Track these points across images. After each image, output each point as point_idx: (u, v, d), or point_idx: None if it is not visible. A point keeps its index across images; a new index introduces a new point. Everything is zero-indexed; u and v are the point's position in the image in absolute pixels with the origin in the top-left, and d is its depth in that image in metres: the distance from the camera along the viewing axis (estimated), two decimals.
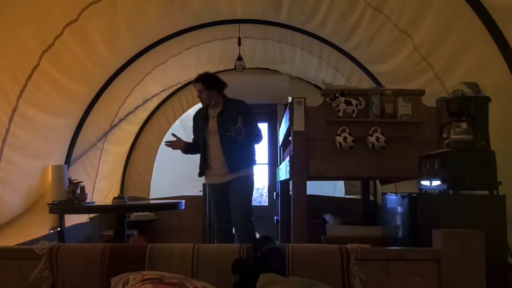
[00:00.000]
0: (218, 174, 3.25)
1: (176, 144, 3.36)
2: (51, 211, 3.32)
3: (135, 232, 4.86)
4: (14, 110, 2.63)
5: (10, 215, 2.92)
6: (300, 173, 2.65)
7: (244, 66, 4.28)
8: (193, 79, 5.00)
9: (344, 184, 5.00)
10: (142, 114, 5.18)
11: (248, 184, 3.31)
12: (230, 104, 3.28)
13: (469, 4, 2.30)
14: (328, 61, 4.35)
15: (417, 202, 2.01)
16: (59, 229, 3.60)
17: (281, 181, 3.87)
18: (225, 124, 3.16)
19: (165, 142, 3.43)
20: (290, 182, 2.84)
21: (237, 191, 3.24)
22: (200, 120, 3.36)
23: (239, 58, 4.23)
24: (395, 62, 3.32)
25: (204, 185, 4.82)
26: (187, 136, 5.58)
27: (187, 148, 3.42)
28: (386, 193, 2.47)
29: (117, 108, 4.32)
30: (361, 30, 3.36)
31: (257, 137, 3.32)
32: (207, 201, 4.82)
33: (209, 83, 3.23)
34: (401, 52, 3.15)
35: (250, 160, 3.34)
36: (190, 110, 5.49)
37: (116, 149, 4.83)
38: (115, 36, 3.36)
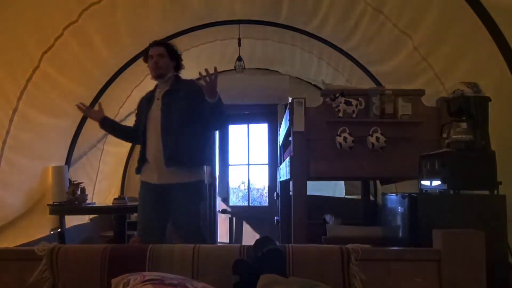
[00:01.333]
0: (156, 173, 2.55)
1: (92, 112, 2.73)
2: (52, 212, 3.32)
3: (136, 233, 4.85)
4: (14, 111, 2.63)
5: (10, 216, 2.92)
6: (300, 174, 2.65)
7: (244, 66, 4.28)
8: (194, 79, 5.00)
9: (344, 184, 5.00)
10: None
11: (198, 193, 2.61)
12: (182, 84, 2.67)
13: (468, 4, 2.30)
14: (328, 61, 4.35)
15: (418, 202, 2.01)
16: (59, 230, 3.60)
17: (282, 182, 3.87)
18: (171, 107, 2.55)
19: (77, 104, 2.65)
20: (291, 182, 2.84)
21: (181, 203, 2.51)
22: (144, 102, 2.71)
23: (239, 59, 4.23)
24: (395, 62, 3.32)
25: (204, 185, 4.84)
26: None
27: (110, 126, 2.76)
28: (386, 193, 2.47)
29: (117, 109, 4.32)
30: (361, 30, 3.36)
31: (223, 121, 2.65)
32: (207, 201, 4.82)
33: (173, 51, 2.68)
34: (401, 52, 3.15)
35: (202, 157, 2.60)
36: None
37: (116, 150, 4.83)
38: (115, 37, 3.37)
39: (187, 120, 2.53)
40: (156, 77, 2.65)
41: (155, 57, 2.61)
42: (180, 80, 2.71)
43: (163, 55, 2.63)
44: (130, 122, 4.79)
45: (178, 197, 2.52)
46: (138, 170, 2.68)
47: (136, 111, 2.80)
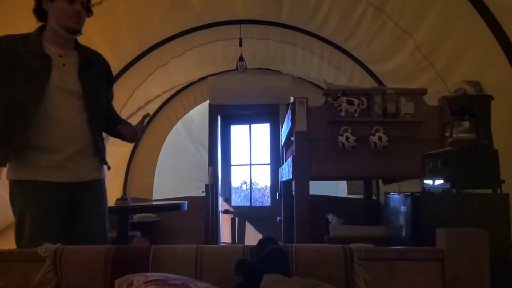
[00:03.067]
0: (69, 166, 1.90)
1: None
2: None
3: (138, 233, 4.87)
4: None
5: (13, 217, 2.92)
6: (302, 173, 2.65)
7: (246, 66, 4.29)
8: (195, 80, 4.99)
9: (347, 183, 5.00)
10: None
11: (106, 194, 2.11)
12: (91, 54, 2.09)
13: (470, 2, 2.30)
14: (330, 61, 4.35)
15: (420, 201, 2.01)
16: None
17: (284, 182, 3.86)
18: (91, 86, 1.98)
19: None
20: (293, 182, 2.84)
21: (98, 204, 2.01)
22: (24, 54, 1.85)
23: (241, 59, 4.24)
24: (397, 61, 3.32)
25: (206, 185, 4.86)
26: (190, 138, 5.63)
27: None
28: (389, 193, 2.47)
29: (119, 109, 4.31)
30: (362, 30, 3.36)
31: None
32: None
33: (89, 6, 2.02)
34: (402, 51, 3.15)
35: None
36: (192, 111, 5.50)
37: (118, 151, 4.84)
38: (116, 38, 3.37)
39: (104, 104, 2.11)
40: (73, 31, 1.94)
41: (79, 4, 1.92)
42: (81, 45, 2.06)
43: (84, 5, 1.97)
44: (133, 123, 4.85)
45: (95, 195, 2.00)
46: (7, 159, 1.84)
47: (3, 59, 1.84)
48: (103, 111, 2.08)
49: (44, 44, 1.91)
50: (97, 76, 2.04)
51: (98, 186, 2.03)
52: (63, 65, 1.93)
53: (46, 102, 1.84)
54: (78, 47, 2.03)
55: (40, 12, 1.93)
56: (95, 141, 1.98)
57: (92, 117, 1.96)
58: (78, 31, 1.96)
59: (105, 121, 2.12)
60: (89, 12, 2.01)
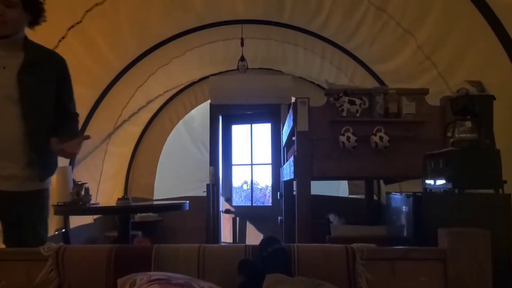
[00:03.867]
0: (5, 174, 1.80)
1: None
2: (56, 212, 3.33)
3: (140, 233, 4.88)
4: None
5: None
6: (304, 173, 2.65)
7: (247, 66, 4.29)
8: (196, 80, 5.00)
9: (348, 183, 4.99)
10: (145, 115, 5.19)
11: (48, 205, 1.98)
12: (40, 54, 1.92)
13: (472, 1, 2.29)
14: (331, 60, 4.35)
15: (422, 201, 2.01)
16: (64, 230, 3.62)
17: (285, 181, 3.87)
18: (33, 90, 1.83)
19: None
20: (294, 182, 2.84)
21: (31, 217, 1.87)
22: None
23: (242, 59, 4.24)
24: (399, 61, 3.32)
25: (207, 185, 4.86)
26: (192, 138, 5.64)
27: None
28: (390, 193, 2.47)
29: (121, 109, 4.33)
30: (364, 30, 3.36)
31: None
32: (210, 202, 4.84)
33: (31, 4, 1.82)
34: (404, 51, 3.15)
35: (56, 163, 2.01)
36: (193, 110, 5.51)
37: (119, 151, 4.85)
38: (118, 38, 3.38)
39: (50, 110, 1.91)
40: None
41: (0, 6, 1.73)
42: (33, 44, 1.90)
43: (14, 3, 1.75)
44: (133, 123, 4.88)
45: (31, 204, 1.87)
46: None
47: None
48: (46, 118, 1.89)
49: None
50: (42, 79, 1.86)
51: (34, 196, 1.88)
52: (4, 68, 1.79)
53: None
54: (28, 47, 1.87)
55: None
56: (30, 153, 1.81)
57: (30, 125, 1.81)
58: (4, 37, 1.79)
59: (49, 127, 1.90)
60: (28, 4, 1.79)
